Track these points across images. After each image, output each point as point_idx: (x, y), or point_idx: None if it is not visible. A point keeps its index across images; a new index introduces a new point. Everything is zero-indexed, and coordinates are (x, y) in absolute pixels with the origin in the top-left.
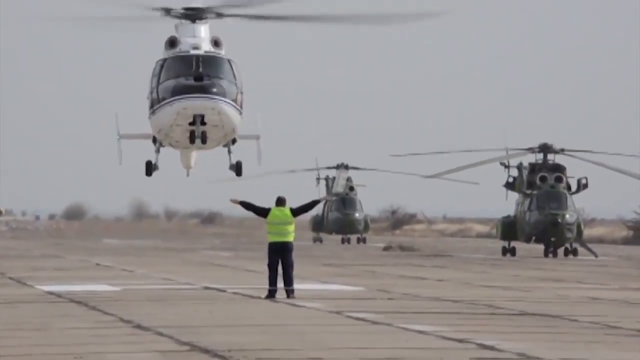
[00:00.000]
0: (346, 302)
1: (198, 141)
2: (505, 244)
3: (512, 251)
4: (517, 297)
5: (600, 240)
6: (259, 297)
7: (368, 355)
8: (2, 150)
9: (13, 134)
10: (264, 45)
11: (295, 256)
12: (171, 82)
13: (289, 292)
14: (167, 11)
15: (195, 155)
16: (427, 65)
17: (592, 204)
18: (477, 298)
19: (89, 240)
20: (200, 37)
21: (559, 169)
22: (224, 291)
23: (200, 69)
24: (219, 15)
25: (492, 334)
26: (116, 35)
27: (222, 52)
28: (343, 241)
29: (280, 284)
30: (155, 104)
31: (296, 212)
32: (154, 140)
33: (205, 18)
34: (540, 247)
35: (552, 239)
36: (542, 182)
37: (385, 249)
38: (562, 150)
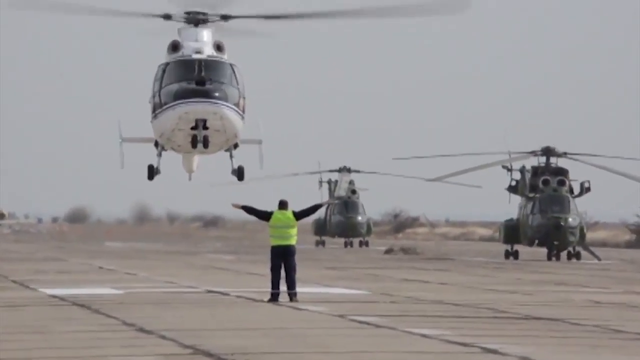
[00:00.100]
0: (349, 306)
1: (200, 146)
2: (508, 247)
3: (515, 255)
4: (520, 300)
5: (603, 244)
6: (262, 301)
7: (371, 359)
8: (4, 152)
9: (15, 137)
10: (266, 48)
11: (297, 259)
12: (173, 87)
13: (292, 296)
14: (170, 16)
15: (197, 159)
16: (430, 68)
17: (595, 207)
18: (480, 302)
19: (91, 244)
20: (202, 42)
21: (561, 172)
22: (227, 294)
23: (203, 73)
24: (223, 18)
25: (495, 338)
26: (119, 38)
27: (225, 57)
28: (346, 244)
29: (283, 287)
30: (158, 108)
31: (299, 215)
32: (156, 144)
33: (208, 22)
34: (543, 250)
35: (555, 242)
36: (544, 185)
37: (387, 252)
38: (564, 154)
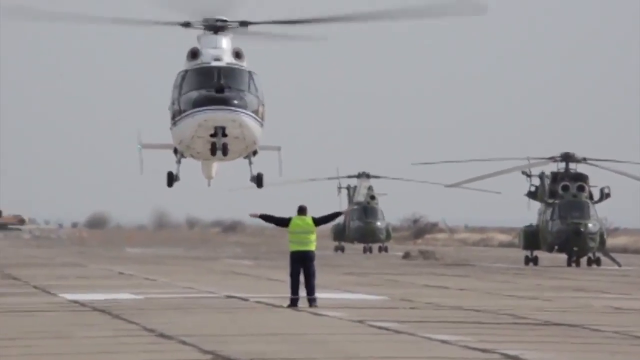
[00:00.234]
0: (369, 311)
1: (219, 153)
2: (528, 253)
3: (535, 261)
4: (540, 306)
5: (624, 250)
6: (281, 306)
7: None
8: (25, 159)
9: (36, 144)
10: (285, 53)
11: (317, 265)
12: (193, 94)
13: (311, 301)
14: (189, 23)
15: (216, 165)
16: (449, 73)
17: (615, 213)
18: (500, 307)
19: (111, 249)
20: (222, 49)
21: (581, 178)
22: (246, 300)
23: (222, 81)
24: (242, 25)
25: (515, 344)
26: (140, 45)
27: (244, 64)
28: (365, 250)
29: (302, 292)
30: (177, 115)
31: (318, 221)
32: (175, 151)
33: (227, 29)
34: (563, 256)
35: (575, 248)
36: (564, 191)
37: (405, 256)
38: (584, 159)
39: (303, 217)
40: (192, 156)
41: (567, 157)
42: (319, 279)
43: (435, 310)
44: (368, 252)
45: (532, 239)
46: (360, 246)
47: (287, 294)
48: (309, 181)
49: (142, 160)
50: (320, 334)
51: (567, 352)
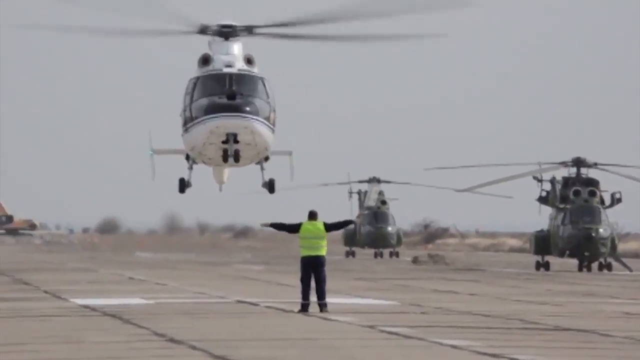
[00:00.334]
0: (379, 316)
1: (231, 159)
2: (539, 258)
3: (546, 266)
4: (550, 311)
5: (635, 255)
6: (292, 311)
7: None
8: (36, 164)
9: (47, 149)
10: (296, 59)
11: (327, 270)
12: (204, 101)
13: (322, 306)
14: (201, 29)
15: (228, 171)
16: (459, 78)
17: (626, 218)
18: (510, 313)
19: (122, 254)
20: (233, 55)
21: (592, 183)
22: (257, 305)
23: (234, 88)
24: (252, 32)
25: (525, 349)
26: (151, 51)
27: (255, 70)
28: (376, 255)
29: (313, 297)
30: (189, 122)
31: (329, 227)
32: (187, 157)
33: (239, 35)
34: (574, 261)
35: (586, 253)
36: (575, 196)
37: (414, 261)
38: (595, 164)
39: (314, 222)
40: (204, 162)
41: (578, 162)
42: (330, 283)
43: (445, 315)
44: (379, 257)
45: (543, 244)
46: (371, 251)
47: (298, 299)
48: (320, 186)
49: (154, 166)
50: (330, 339)
51: (577, 357)
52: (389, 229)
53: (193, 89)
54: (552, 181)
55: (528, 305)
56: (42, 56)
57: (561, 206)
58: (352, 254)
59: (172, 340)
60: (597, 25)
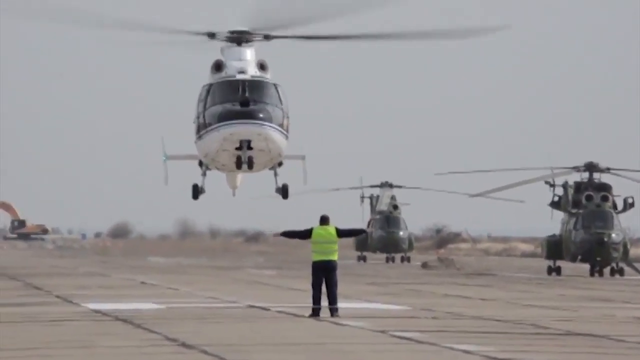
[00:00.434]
0: (390, 321)
1: (244, 166)
2: (551, 263)
3: (558, 270)
4: (563, 316)
5: None
6: (303, 316)
7: None
8: (48, 169)
9: (60, 154)
10: (309, 63)
11: (339, 275)
12: (217, 108)
13: (333, 311)
14: (213, 35)
15: (241, 176)
16: (471, 83)
17: (639, 222)
18: (522, 317)
19: (134, 259)
20: (246, 61)
21: (604, 187)
22: (268, 309)
23: (247, 94)
24: (266, 37)
25: (538, 354)
26: (164, 56)
27: (268, 75)
28: (387, 260)
29: (324, 302)
30: (202, 129)
31: (341, 233)
32: (200, 163)
33: (252, 41)
34: (586, 266)
35: (598, 258)
36: (587, 201)
37: (423, 266)
38: (608, 169)
39: (325, 226)
40: (217, 169)
41: (590, 167)
42: (341, 288)
43: (456, 320)
44: (390, 262)
45: (555, 248)
46: (383, 256)
47: (309, 303)
48: (332, 191)
49: (167, 171)
50: (341, 344)
51: None
52: (401, 233)
53: (206, 96)
54: (565, 186)
55: (540, 310)
56: (51, 60)
57: (573, 211)
58: (364, 258)
59: (183, 345)
60: (606, 32)
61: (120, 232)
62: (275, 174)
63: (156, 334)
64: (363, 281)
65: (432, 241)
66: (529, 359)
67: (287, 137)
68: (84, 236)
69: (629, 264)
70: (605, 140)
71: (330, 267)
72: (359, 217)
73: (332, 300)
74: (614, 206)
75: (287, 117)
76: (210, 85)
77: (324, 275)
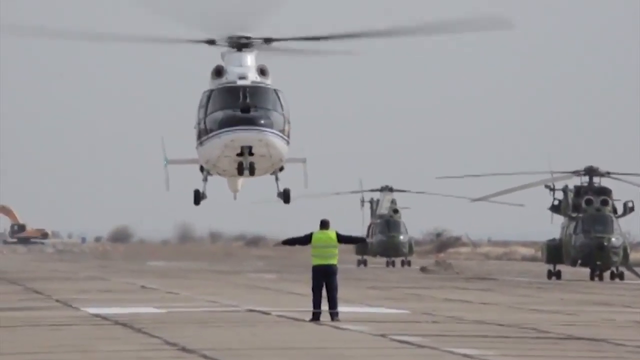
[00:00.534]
0: (391, 325)
1: (246, 172)
2: (551, 267)
3: (558, 274)
4: (563, 320)
5: None
6: (303, 320)
7: None
8: (48, 173)
9: (60, 158)
10: (309, 67)
11: (339, 279)
12: (219, 114)
13: (334, 315)
14: (213, 42)
15: (242, 180)
16: (471, 87)
17: (639, 227)
18: (522, 322)
19: (134, 263)
20: (246, 66)
21: (604, 192)
22: (268, 314)
23: (248, 100)
24: (266, 41)
25: (538, 358)
26: (164, 61)
27: (269, 81)
28: (387, 264)
29: (324, 306)
30: (203, 135)
31: (342, 239)
32: (201, 169)
33: (252, 45)
34: (586, 270)
35: (598, 262)
36: (587, 205)
37: (422, 270)
38: (608, 173)
39: (325, 231)
40: (219, 174)
41: (590, 171)
42: (341, 292)
43: (457, 324)
44: (391, 266)
45: (555, 252)
46: (383, 260)
47: (310, 307)
48: (332, 195)
49: (168, 175)
50: (342, 348)
51: None
52: (401, 237)
53: (207, 102)
54: (565, 190)
55: (540, 314)
56: (50, 63)
57: (573, 215)
58: (364, 262)
59: (183, 349)
60: (606, 35)
61: (120, 236)
62: (277, 179)
63: (156, 339)
64: (363, 285)
65: (432, 245)
66: None
67: (288, 143)
68: (84, 240)
69: (629, 268)
70: (605, 144)
71: (330, 271)
72: (359, 221)
73: (333, 304)
74: (614, 210)
75: (288, 123)
76: (211, 91)
77: (324, 279)
